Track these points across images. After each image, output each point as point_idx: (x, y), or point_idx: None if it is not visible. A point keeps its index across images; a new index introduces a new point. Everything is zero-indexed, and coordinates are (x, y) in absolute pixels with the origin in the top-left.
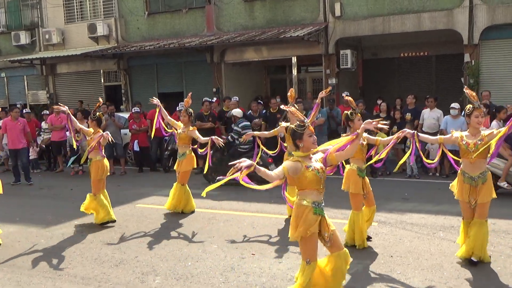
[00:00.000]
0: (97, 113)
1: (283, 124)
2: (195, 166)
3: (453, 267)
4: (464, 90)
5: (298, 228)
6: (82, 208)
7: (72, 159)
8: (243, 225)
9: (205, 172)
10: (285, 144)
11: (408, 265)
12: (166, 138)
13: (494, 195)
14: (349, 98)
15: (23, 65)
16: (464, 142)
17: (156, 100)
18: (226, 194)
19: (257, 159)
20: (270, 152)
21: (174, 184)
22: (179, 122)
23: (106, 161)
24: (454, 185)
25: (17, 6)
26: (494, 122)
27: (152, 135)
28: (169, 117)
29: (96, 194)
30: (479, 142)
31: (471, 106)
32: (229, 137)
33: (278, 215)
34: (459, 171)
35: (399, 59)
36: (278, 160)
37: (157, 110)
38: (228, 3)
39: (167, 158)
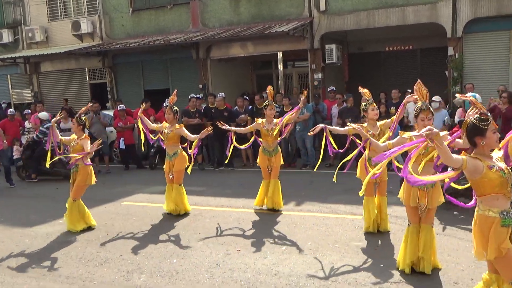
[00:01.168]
0: (83, 117)
1: (260, 120)
2: (188, 164)
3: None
4: (359, 89)
5: (489, 247)
6: (68, 227)
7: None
8: (229, 221)
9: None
10: (260, 139)
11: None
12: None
13: (443, 200)
14: (364, 90)
15: (6, 64)
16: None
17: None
18: (212, 190)
19: (230, 152)
20: (241, 147)
21: (168, 185)
22: (164, 122)
23: (91, 168)
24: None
25: None
26: None
27: (143, 139)
28: (152, 124)
29: (76, 199)
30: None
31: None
32: (34, 136)
33: (264, 210)
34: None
35: (384, 53)
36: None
37: (139, 121)
38: None
39: (154, 155)
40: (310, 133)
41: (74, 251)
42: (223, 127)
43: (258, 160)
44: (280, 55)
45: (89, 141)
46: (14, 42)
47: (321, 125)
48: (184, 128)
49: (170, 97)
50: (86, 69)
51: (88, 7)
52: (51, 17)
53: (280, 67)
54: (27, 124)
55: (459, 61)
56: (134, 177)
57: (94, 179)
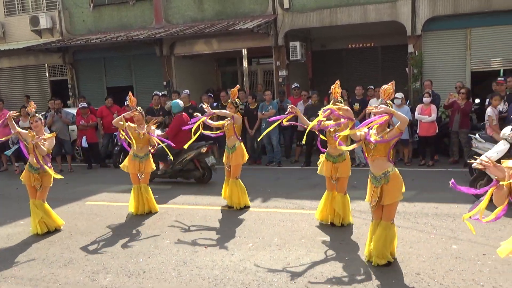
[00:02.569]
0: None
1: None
2: (154, 168)
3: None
4: (331, 88)
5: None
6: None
7: (12, 150)
8: (196, 219)
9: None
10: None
11: (356, 252)
12: (116, 133)
13: (401, 197)
14: (335, 89)
15: None
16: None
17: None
18: (178, 189)
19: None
20: (212, 133)
21: (135, 187)
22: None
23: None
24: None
25: None
26: (489, 109)
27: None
28: (131, 125)
29: (44, 200)
30: (379, 139)
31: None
32: None
33: (231, 208)
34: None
35: (347, 50)
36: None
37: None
38: None
39: (117, 153)
40: (285, 121)
41: (37, 252)
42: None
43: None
44: (244, 52)
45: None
46: None
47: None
48: (153, 128)
49: (129, 99)
50: (46, 65)
51: (47, 2)
52: (8, 11)
53: (245, 64)
54: None
55: (419, 58)
56: (97, 176)
57: (58, 176)
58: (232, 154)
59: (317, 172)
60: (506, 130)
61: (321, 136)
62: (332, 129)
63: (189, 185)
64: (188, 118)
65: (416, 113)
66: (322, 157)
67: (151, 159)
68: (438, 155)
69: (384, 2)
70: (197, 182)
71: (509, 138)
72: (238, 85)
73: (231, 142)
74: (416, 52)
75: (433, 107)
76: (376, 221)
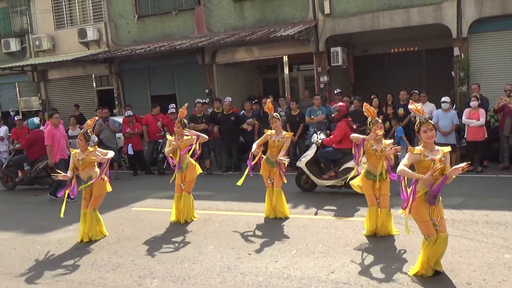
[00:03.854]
0: (88, 130)
1: (269, 131)
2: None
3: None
4: (409, 106)
5: None
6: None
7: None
8: (239, 225)
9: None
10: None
11: (402, 261)
12: (160, 141)
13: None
14: (369, 109)
15: (14, 72)
16: (429, 158)
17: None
18: (221, 195)
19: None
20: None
21: (177, 195)
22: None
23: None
24: (414, 207)
25: (6, 13)
26: None
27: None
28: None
29: (96, 209)
30: (443, 159)
31: (419, 123)
32: None
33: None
34: (418, 187)
35: (389, 55)
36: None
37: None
38: (217, 4)
39: (162, 160)
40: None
41: (86, 257)
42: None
43: (261, 170)
44: (285, 58)
45: (98, 151)
46: (21, 50)
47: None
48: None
49: (180, 110)
50: (93, 76)
51: (94, 15)
52: (58, 25)
53: (286, 70)
54: None
55: (465, 61)
56: (142, 183)
57: (109, 187)
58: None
59: (353, 189)
60: None
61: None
62: (374, 148)
63: (231, 191)
64: (42, 133)
65: (463, 118)
66: (353, 172)
67: (194, 167)
68: (487, 161)
69: (428, 5)
70: (50, 187)
71: None
72: (269, 100)
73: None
74: (462, 55)
75: (482, 111)
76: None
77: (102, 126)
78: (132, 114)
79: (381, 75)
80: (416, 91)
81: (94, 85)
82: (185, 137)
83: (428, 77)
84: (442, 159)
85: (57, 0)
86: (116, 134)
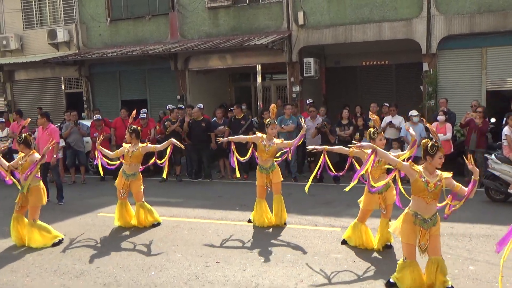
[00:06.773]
0: (23, 135)
1: (259, 134)
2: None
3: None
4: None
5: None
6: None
7: None
8: (208, 233)
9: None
10: (256, 154)
11: (369, 270)
12: None
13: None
14: (375, 117)
15: None
16: (424, 180)
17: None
18: (190, 202)
19: (236, 164)
20: (241, 159)
21: (120, 202)
22: (123, 144)
23: (43, 187)
24: (397, 227)
25: None
26: (506, 128)
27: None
28: (111, 153)
29: (36, 220)
30: (438, 183)
31: (435, 146)
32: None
33: (243, 222)
34: (407, 211)
35: (361, 68)
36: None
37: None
38: (192, 10)
39: None
40: (310, 148)
41: (49, 263)
42: (223, 139)
43: (257, 180)
44: (258, 67)
45: (37, 154)
46: None
47: (320, 147)
48: (149, 145)
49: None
50: (62, 78)
51: (65, 16)
52: (27, 25)
53: (259, 79)
54: None
55: (434, 76)
56: (110, 188)
57: (45, 199)
58: (272, 173)
59: (361, 207)
60: None
61: (356, 165)
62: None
63: (201, 198)
64: None
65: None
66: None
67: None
68: (452, 174)
69: (399, 20)
70: None
71: None
72: (274, 104)
73: (269, 162)
74: (431, 70)
75: (449, 125)
76: (413, 261)
77: (72, 129)
78: (100, 118)
79: (352, 87)
80: (386, 104)
81: (63, 87)
82: (141, 144)
83: (397, 91)
84: (438, 183)
85: None
86: (84, 138)
